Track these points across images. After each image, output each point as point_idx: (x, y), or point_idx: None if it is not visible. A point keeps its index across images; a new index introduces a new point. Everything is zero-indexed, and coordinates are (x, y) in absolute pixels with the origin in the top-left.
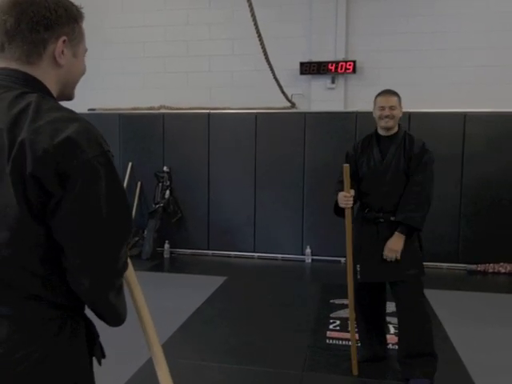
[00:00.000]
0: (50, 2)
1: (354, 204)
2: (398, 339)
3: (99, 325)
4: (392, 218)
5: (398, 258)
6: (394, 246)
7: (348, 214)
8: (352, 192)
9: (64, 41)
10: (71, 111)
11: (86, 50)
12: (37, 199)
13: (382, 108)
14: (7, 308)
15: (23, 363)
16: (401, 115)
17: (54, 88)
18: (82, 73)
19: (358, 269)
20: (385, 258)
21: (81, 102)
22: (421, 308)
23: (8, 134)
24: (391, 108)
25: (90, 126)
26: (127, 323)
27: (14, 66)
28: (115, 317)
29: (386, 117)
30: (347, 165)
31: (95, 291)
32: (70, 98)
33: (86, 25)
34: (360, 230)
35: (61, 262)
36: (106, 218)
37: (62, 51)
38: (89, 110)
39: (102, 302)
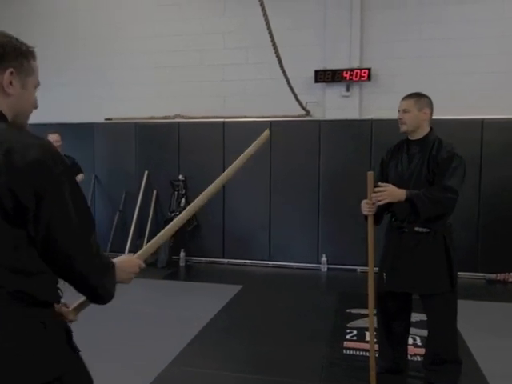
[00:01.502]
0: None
1: (385, 212)
2: (426, 346)
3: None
4: (416, 229)
5: (385, 199)
6: (393, 192)
7: (370, 221)
8: (372, 199)
9: (11, 72)
10: (30, 133)
11: (37, 84)
12: (11, 209)
13: (399, 112)
14: None
15: (7, 356)
16: (424, 118)
17: (8, 115)
18: (33, 105)
19: (384, 276)
20: (376, 191)
21: (97, 112)
22: (450, 318)
23: None
24: (404, 111)
25: (51, 146)
26: (138, 337)
27: None
28: (106, 294)
29: (400, 120)
30: (371, 172)
31: (81, 274)
32: (22, 127)
33: (100, 36)
34: (387, 238)
35: (42, 260)
36: (74, 217)
37: (11, 82)
38: (105, 119)
39: (90, 283)
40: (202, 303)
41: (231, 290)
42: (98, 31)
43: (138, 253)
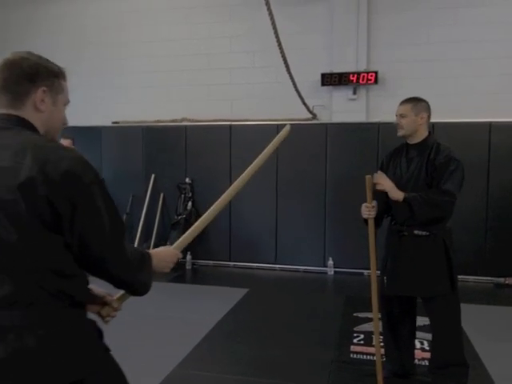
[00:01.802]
0: (32, 60)
1: (385, 215)
2: (431, 350)
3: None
4: (416, 232)
5: (378, 187)
6: (389, 185)
7: (371, 224)
8: (374, 203)
9: (44, 90)
10: (63, 146)
11: (67, 102)
12: (50, 217)
13: (396, 116)
14: (35, 305)
15: (47, 352)
16: (421, 122)
17: (40, 130)
18: (62, 121)
19: (385, 280)
20: (375, 181)
21: (105, 116)
22: (453, 321)
23: (13, 164)
24: (401, 116)
25: (82, 157)
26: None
27: (4, 111)
28: (143, 287)
29: (397, 125)
30: (370, 176)
31: (117, 275)
32: (53, 141)
33: (108, 41)
34: (386, 242)
35: (77, 264)
36: (106, 223)
37: (43, 99)
38: (113, 122)
39: (126, 281)
40: (208, 306)
41: (237, 293)
42: (106, 36)
43: (175, 244)
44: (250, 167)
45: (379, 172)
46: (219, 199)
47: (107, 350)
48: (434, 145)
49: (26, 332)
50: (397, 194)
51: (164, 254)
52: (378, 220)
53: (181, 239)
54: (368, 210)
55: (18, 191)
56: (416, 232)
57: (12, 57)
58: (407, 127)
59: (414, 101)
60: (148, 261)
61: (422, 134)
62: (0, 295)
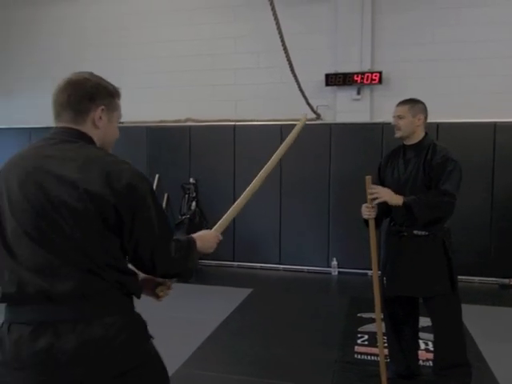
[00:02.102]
0: (93, 81)
1: (385, 216)
2: (434, 351)
3: None
4: (415, 232)
5: (376, 201)
6: (387, 193)
7: (371, 225)
8: (374, 203)
9: (102, 109)
10: (120, 158)
11: (120, 118)
12: (114, 222)
13: (393, 118)
14: (99, 295)
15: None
16: (418, 124)
17: (97, 143)
18: (115, 136)
19: (385, 281)
20: (371, 192)
21: None
22: (454, 320)
23: (81, 175)
24: (398, 117)
25: (137, 169)
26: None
27: (68, 125)
28: (189, 274)
29: (394, 126)
30: (369, 176)
31: (166, 272)
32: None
33: (113, 42)
34: (386, 243)
35: (132, 264)
36: (157, 227)
37: (100, 117)
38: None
39: (173, 274)
40: (212, 306)
41: (241, 294)
42: (109, 37)
43: (215, 227)
44: (273, 156)
45: (367, 177)
46: (250, 184)
47: (152, 338)
48: (430, 145)
49: (95, 321)
50: (396, 200)
51: (208, 236)
52: (377, 221)
53: (220, 222)
54: (368, 211)
55: (89, 200)
56: (415, 232)
57: (75, 77)
58: (405, 128)
59: (411, 102)
60: (194, 247)
61: (419, 135)
62: (68, 289)
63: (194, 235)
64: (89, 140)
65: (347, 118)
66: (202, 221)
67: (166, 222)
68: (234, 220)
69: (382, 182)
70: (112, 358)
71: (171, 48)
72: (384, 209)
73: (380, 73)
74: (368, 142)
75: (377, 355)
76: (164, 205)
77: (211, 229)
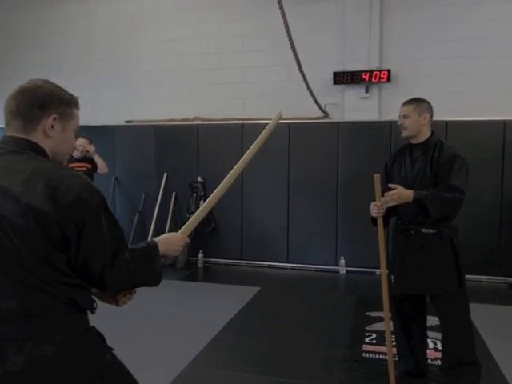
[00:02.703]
0: (46, 89)
1: (392, 214)
2: (442, 350)
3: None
4: (423, 230)
5: (394, 201)
6: (401, 193)
7: (380, 223)
8: (382, 201)
9: (54, 118)
10: (71, 171)
11: (76, 129)
12: (59, 239)
13: (399, 117)
14: (49, 312)
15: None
16: (424, 122)
17: (48, 154)
18: (71, 146)
19: (393, 280)
20: (385, 197)
21: (118, 115)
22: (462, 318)
23: (24, 189)
24: (404, 117)
25: (87, 179)
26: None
27: (16, 134)
28: (153, 280)
29: (400, 126)
30: (377, 174)
31: (117, 286)
32: (61, 164)
33: (122, 41)
34: (393, 241)
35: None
36: (108, 241)
37: (52, 126)
38: (126, 121)
39: (129, 286)
40: (220, 304)
41: (249, 292)
42: (118, 36)
43: (182, 229)
44: (244, 156)
45: (376, 175)
46: (218, 186)
47: (112, 349)
48: (437, 143)
49: (44, 339)
50: (407, 197)
51: (172, 239)
52: (385, 219)
53: (186, 225)
54: (377, 209)
55: (31, 215)
56: (423, 230)
57: (27, 84)
58: (411, 128)
59: (417, 101)
60: (154, 252)
61: (425, 133)
62: (14, 307)
63: (157, 239)
64: (39, 151)
65: (355, 116)
66: (210, 219)
67: (119, 234)
68: (241, 219)
69: (389, 180)
70: (63, 379)
71: (179, 47)
72: (391, 207)
73: (388, 71)
74: (376, 141)
75: (385, 354)
76: (172, 203)
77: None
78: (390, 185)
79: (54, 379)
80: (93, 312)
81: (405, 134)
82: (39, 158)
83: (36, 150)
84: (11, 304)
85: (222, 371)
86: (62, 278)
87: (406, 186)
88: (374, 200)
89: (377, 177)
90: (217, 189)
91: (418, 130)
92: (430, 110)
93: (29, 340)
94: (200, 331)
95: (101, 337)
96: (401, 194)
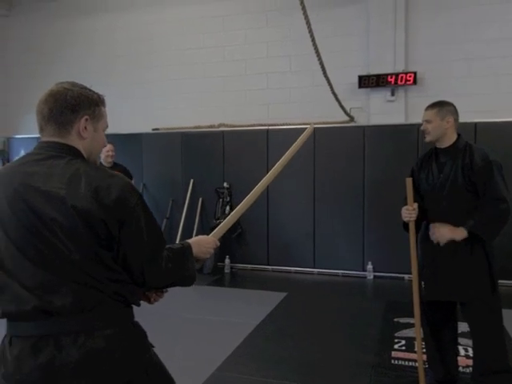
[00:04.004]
0: (74, 91)
1: (421, 219)
2: (473, 357)
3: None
4: None
5: (442, 242)
6: (450, 232)
7: (412, 227)
8: (415, 205)
9: (86, 119)
10: (109, 171)
11: (106, 127)
12: (104, 237)
13: (423, 122)
14: (98, 307)
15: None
16: (448, 126)
17: (84, 154)
18: (103, 145)
19: (423, 286)
20: (432, 233)
21: (145, 123)
22: (494, 325)
23: (68, 191)
24: (427, 122)
25: (125, 178)
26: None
27: (52, 139)
28: (187, 280)
29: (423, 131)
30: (410, 178)
31: (156, 284)
32: (96, 163)
33: (146, 51)
34: (422, 246)
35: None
36: (146, 239)
37: (85, 127)
38: (153, 129)
39: (165, 285)
40: (247, 309)
41: (276, 297)
42: (143, 46)
43: (213, 232)
44: (276, 166)
45: (408, 179)
46: (249, 194)
47: (153, 346)
48: (466, 147)
49: (96, 333)
50: (460, 235)
51: (204, 241)
52: (417, 224)
53: (217, 228)
54: (409, 213)
55: (77, 216)
56: None
57: (56, 88)
58: (433, 132)
59: (439, 105)
60: (189, 253)
61: (451, 137)
62: (68, 303)
63: (190, 240)
64: (75, 153)
65: (381, 119)
66: (236, 225)
67: (157, 232)
68: (267, 224)
69: (415, 186)
70: (114, 370)
71: (204, 55)
72: (422, 212)
73: (414, 73)
74: (403, 144)
75: (414, 361)
76: (199, 209)
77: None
78: (432, 225)
79: (105, 370)
80: (138, 305)
81: (428, 138)
82: (77, 160)
83: (73, 152)
84: (66, 301)
85: (249, 376)
86: (111, 275)
87: (435, 193)
88: (405, 204)
89: (409, 180)
90: (248, 196)
91: (442, 134)
92: (455, 112)
93: (82, 333)
94: (228, 336)
95: (144, 333)
96: (448, 234)
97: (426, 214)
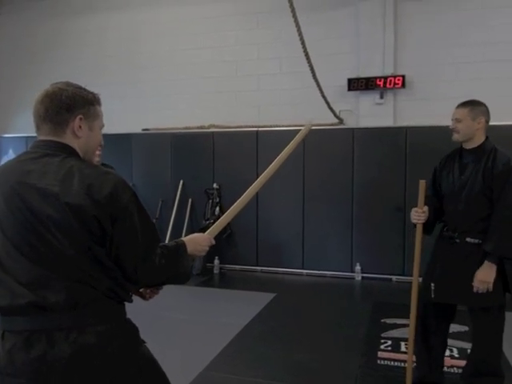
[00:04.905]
0: (69, 91)
1: (436, 221)
2: (469, 357)
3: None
4: (468, 240)
5: (490, 289)
6: (485, 277)
7: (419, 230)
8: (425, 208)
9: (80, 118)
10: (102, 169)
11: (102, 126)
12: (98, 233)
13: (452, 120)
14: (92, 304)
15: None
16: (478, 127)
17: (79, 153)
18: (98, 143)
19: (433, 287)
20: (475, 290)
21: (135, 123)
22: (497, 330)
23: (62, 188)
24: (456, 120)
25: (118, 175)
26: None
27: (48, 138)
28: (180, 278)
29: (452, 130)
30: (424, 180)
31: (146, 277)
32: (91, 161)
33: (140, 51)
34: (436, 248)
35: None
36: (140, 235)
37: (80, 126)
38: (143, 129)
39: (159, 283)
40: (235, 310)
41: (265, 298)
42: (133, 46)
43: (208, 230)
44: (272, 164)
45: (422, 181)
46: (245, 192)
47: (144, 342)
48: (491, 151)
49: (88, 329)
50: (491, 274)
51: (199, 239)
52: (429, 226)
53: (213, 226)
54: (418, 215)
55: (71, 212)
56: (468, 239)
57: (51, 88)
58: (463, 132)
59: (472, 104)
60: (183, 251)
61: (480, 139)
62: (61, 300)
63: (185, 238)
64: (70, 151)
65: (370, 122)
66: (226, 226)
67: (151, 229)
68: (257, 225)
69: (436, 185)
70: (106, 365)
71: (195, 55)
72: (436, 214)
73: (403, 76)
74: (391, 147)
75: (400, 361)
76: (188, 210)
77: (232, 232)
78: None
79: (97, 366)
80: (130, 301)
81: (455, 137)
82: (72, 158)
83: (68, 151)
84: (59, 297)
85: (237, 376)
86: (105, 271)
87: (453, 195)
88: (407, 206)
89: (423, 183)
90: (244, 194)
91: (472, 135)
92: (487, 113)
93: (74, 329)
94: (216, 336)
95: (136, 329)
96: (487, 279)
97: (442, 214)
